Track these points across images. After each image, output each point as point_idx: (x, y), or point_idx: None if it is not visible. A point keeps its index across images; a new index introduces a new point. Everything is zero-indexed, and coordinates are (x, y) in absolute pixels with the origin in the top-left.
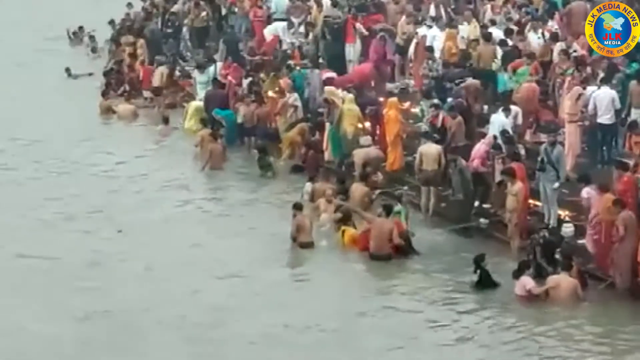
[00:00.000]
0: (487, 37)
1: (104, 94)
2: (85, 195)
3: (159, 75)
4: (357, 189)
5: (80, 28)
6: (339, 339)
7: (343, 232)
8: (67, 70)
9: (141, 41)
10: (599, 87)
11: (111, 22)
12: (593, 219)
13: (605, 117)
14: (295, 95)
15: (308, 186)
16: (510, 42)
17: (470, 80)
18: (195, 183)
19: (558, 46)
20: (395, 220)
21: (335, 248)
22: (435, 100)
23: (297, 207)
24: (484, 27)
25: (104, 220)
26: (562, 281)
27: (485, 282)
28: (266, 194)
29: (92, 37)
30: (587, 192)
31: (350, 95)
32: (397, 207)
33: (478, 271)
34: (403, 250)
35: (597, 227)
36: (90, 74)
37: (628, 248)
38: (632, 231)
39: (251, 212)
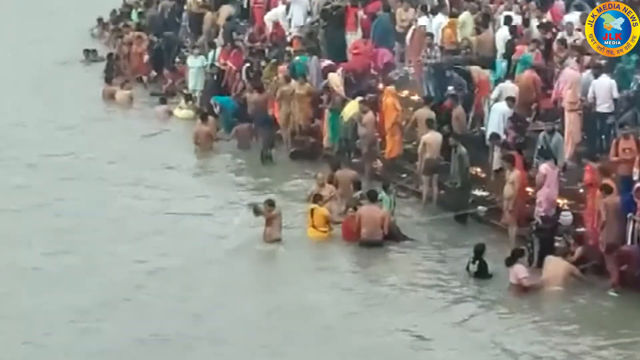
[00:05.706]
0: (486, 24)
1: (108, 80)
2: None
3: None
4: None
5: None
6: (332, 332)
7: (312, 210)
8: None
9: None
10: (596, 76)
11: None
12: (542, 199)
13: (603, 106)
14: (292, 82)
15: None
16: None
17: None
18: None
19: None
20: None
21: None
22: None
23: (269, 203)
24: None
25: None
26: (557, 266)
27: (483, 273)
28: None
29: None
30: (545, 168)
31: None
32: (381, 195)
33: (477, 262)
34: (394, 237)
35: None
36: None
37: (611, 234)
38: (614, 217)
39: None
